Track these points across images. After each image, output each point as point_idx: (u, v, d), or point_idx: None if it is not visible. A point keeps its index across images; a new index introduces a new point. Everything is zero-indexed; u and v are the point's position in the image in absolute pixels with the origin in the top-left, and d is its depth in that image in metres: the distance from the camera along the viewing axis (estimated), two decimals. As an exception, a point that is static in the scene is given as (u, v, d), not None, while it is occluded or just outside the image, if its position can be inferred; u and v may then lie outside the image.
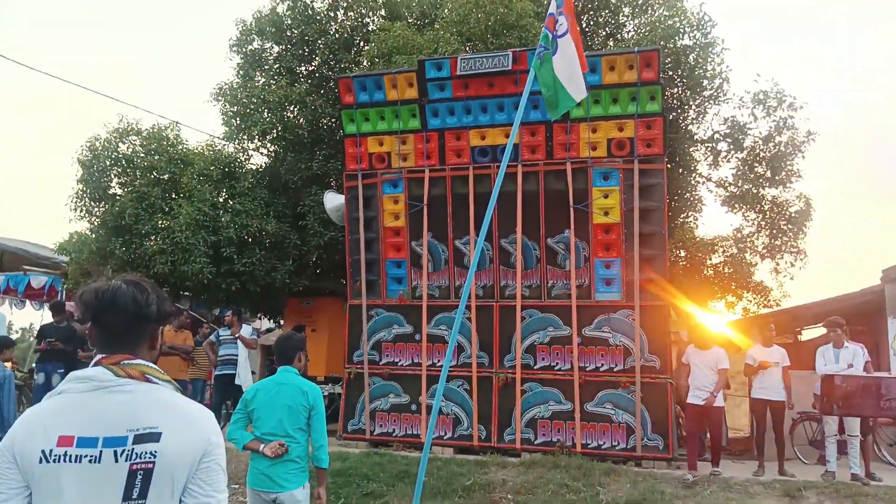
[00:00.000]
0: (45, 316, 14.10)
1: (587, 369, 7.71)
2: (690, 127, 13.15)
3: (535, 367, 7.91)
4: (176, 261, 10.59)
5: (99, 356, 1.72)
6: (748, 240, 14.13)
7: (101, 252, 11.61)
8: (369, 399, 8.43)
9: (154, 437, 1.63)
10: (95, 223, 12.27)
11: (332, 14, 13.55)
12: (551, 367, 7.87)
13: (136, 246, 11.11)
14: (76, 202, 12.17)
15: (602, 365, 7.71)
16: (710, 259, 14.57)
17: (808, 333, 14.31)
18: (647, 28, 12.22)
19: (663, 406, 7.46)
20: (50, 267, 14.35)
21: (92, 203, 12.28)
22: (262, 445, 3.97)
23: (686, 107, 12.95)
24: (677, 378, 8.03)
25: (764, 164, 12.85)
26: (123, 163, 12.06)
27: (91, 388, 1.66)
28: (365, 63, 12.55)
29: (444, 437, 8.02)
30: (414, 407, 8.25)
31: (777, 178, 12.86)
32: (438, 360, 8.09)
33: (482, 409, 7.96)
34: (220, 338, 9.57)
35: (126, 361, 1.70)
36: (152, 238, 11.14)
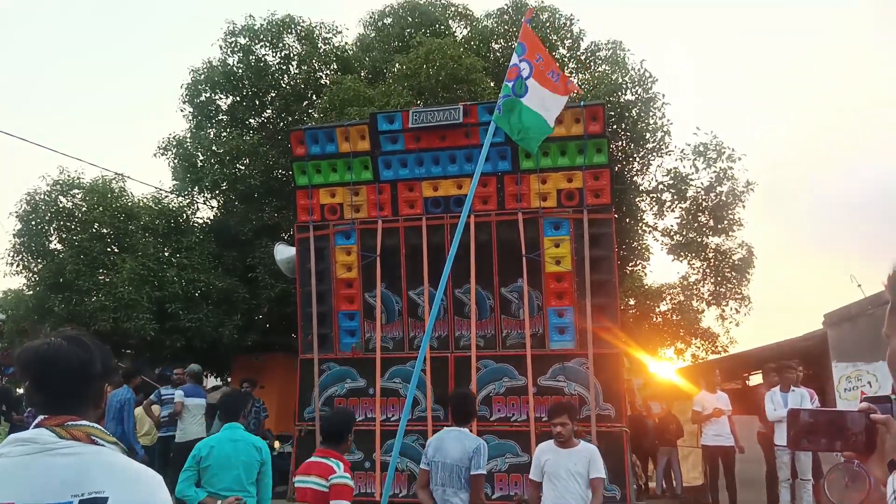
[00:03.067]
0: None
1: (544, 420, 7.63)
2: (635, 178, 13.58)
3: (491, 419, 7.80)
4: (118, 317, 10.21)
5: (40, 417, 1.60)
6: (694, 287, 14.50)
7: (39, 309, 11.12)
8: (321, 457, 8.13)
9: (100, 502, 1.50)
10: (33, 279, 11.79)
11: (284, 67, 13.66)
12: (507, 418, 7.77)
13: (77, 302, 10.68)
14: (13, 257, 11.70)
15: (558, 415, 7.64)
16: (659, 307, 14.86)
17: (756, 378, 14.61)
18: (592, 83, 12.69)
19: (620, 456, 7.42)
20: (-18, 326, 13.64)
21: (30, 258, 11.83)
22: (218, 501, 3.94)
23: (631, 159, 13.39)
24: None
25: (706, 213, 13.31)
26: (64, 217, 11.71)
27: (33, 452, 1.53)
28: (317, 115, 12.62)
29: (400, 495, 7.77)
30: (368, 464, 7.99)
31: (720, 226, 13.32)
32: (393, 415, 7.90)
33: (438, 465, 7.75)
34: (163, 397, 9.13)
35: (70, 423, 1.58)
36: (94, 294, 10.75)
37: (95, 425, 1.63)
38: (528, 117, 5.47)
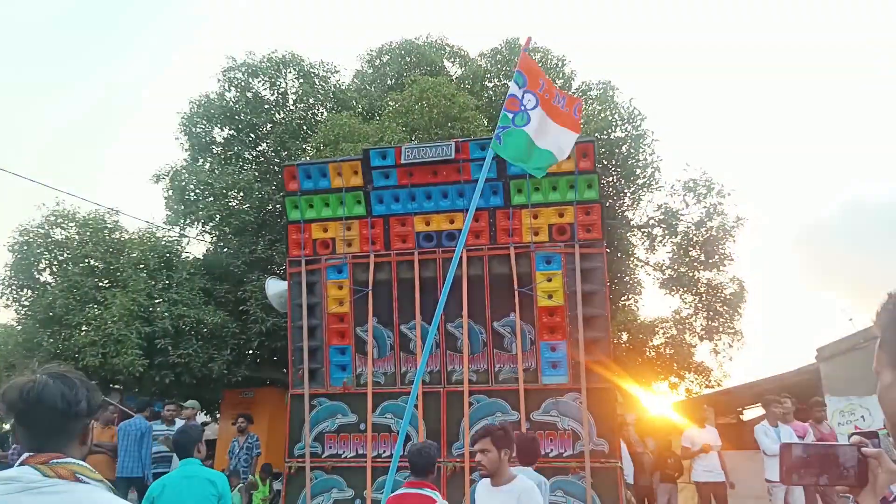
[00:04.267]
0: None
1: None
2: (626, 213, 13.71)
3: (483, 455, 7.71)
4: (107, 353, 10.11)
5: (25, 455, 1.60)
6: (687, 321, 14.51)
7: (28, 344, 11.01)
8: (311, 495, 8.01)
9: None
10: (23, 313, 11.70)
11: (280, 102, 13.83)
12: (500, 454, 7.68)
13: (66, 337, 10.59)
14: (2, 290, 11.63)
15: (552, 450, 7.59)
16: (652, 341, 14.84)
17: (750, 413, 14.54)
18: (582, 121, 12.89)
19: (614, 491, 7.34)
20: (-31, 360, 13.45)
21: (20, 292, 11.75)
22: None
23: (621, 194, 13.54)
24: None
25: (697, 248, 13.41)
26: (56, 250, 11.68)
27: (17, 490, 1.53)
28: (311, 151, 12.74)
29: (391, 534, 7.62)
30: (358, 501, 7.86)
31: (710, 261, 13.40)
32: (384, 451, 7.81)
33: (430, 502, 7.64)
34: (154, 432, 9.00)
35: (55, 461, 1.58)
36: (83, 329, 10.66)
37: (81, 462, 1.62)
38: (531, 148, 5.45)
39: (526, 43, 6.36)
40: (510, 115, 5.43)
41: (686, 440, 8.32)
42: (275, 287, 9.55)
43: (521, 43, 13.93)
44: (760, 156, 66.76)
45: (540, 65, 14.13)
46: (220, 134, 13.78)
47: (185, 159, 13.34)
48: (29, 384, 1.63)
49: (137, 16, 66.42)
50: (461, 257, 7.90)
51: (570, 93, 14.32)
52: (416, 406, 7.77)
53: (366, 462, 7.88)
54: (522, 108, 5.46)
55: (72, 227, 11.93)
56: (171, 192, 12.31)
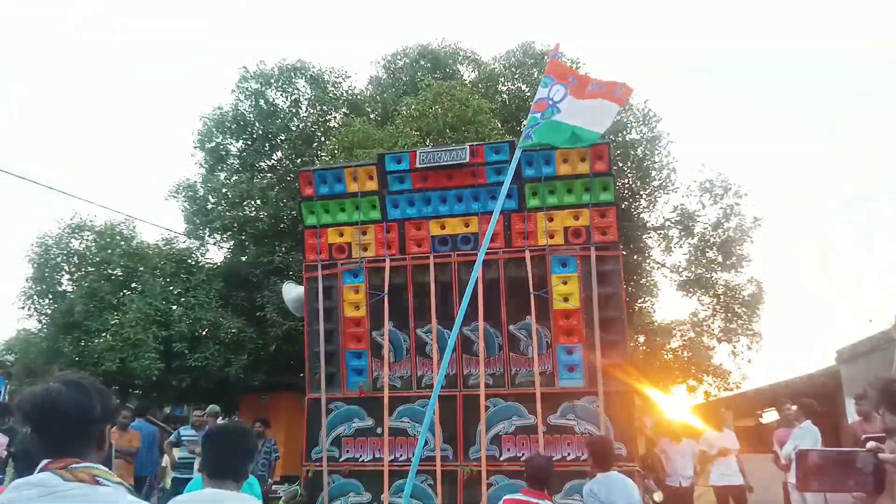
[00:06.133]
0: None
1: (554, 459, 7.51)
2: (642, 215, 13.64)
3: (500, 459, 7.70)
4: (125, 358, 10.22)
5: (45, 461, 1.63)
6: (704, 324, 14.39)
7: (49, 350, 11.17)
8: (328, 499, 8.03)
9: None
10: (44, 321, 11.86)
11: (294, 110, 13.93)
12: (517, 457, 7.66)
13: (85, 343, 10.72)
14: (24, 301, 11.80)
15: (569, 454, 7.55)
16: (669, 343, 14.73)
17: (769, 416, 14.38)
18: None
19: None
20: (-7, 367, 13.67)
21: (41, 301, 11.92)
22: None
23: (637, 196, 13.48)
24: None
25: (714, 249, 13.31)
26: (76, 259, 11.84)
27: (39, 496, 1.56)
28: (326, 157, 12.81)
29: (409, 538, 7.62)
30: (376, 506, 7.88)
31: (728, 262, 13.30)
32: (401, 455, 7.81)
33: (447, 506, 7.64)
34: (182, 438, 9.05)
35: (74, 465, 1.61)
36: (102, 335, 10.79)
37: (100, 466, 1.66)
38: (566, 129, 5.39)
39: (555, 49, 6.46)
40: (538, 115, 5.45)
41: (704, 444, 8.26)
42: (291, 292, 9.61)
43: (535, 47, 13.95)
44: (776, 154, 66.14)
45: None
46: (234, 145, 13.89)
47: (200, 172, 13.46)
48: (43, 393, 1.66)
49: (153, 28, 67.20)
50: (477, 261, 7.93)
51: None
52: (432, 410, 7.78)
53: (382, 466, 7.90)
54: (551, 102, 5.46)
55: (90, 236, 12.09)
56: (187, 203, 12.43)
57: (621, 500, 4.74)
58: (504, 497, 4.67)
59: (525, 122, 5.65)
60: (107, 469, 1.67)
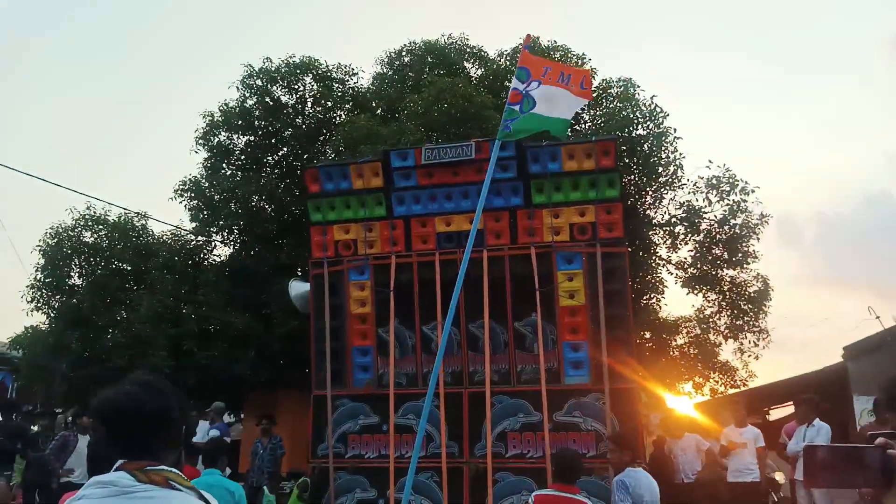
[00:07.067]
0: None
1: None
2: (648, 211, 13.59)
3: (506, 456, 7.71)
4: (134, 354, 10.27)
5: (120, 461, 1.67)
6: (710, 320, 14.33)
7: (57, 345, 11.22)
8: (335, 495, 8.06)
9: None
10: (52, 315, 11.92)
11: (299, 107, 13.92)
12: (523, 455, 7.67)
13: (94, 339, 10.78)
14: (33, 293, 11.85)
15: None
16: (676, 340, 14.68)
17: (776, 413, 14.33)
18: (603, 119, 12.81)
19: (638, 492, 7.27)
20: (1, 362, 13.76)
21: (49, 294, 11.98)
22: None
23: (643, 192, 13.43)
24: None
25: (720, 246, 13.25)
26: (87, 251, 11.89)
27: (112, 494, 1.60)
28: (331, 153, 12.81)
29: (414, 534, 7.65)
30: (381, 502, 7.90)
31: (734, 259, 13.24)
32: (406, 452, 7.82)
33: (453, 503, 7.66)
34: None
35: (149, 467, 1.65)
36: (111, 331, 10.84)
37: (173, 469, 1.69)
38: (542, 121, 5.66)
39: (526, 40, 6.50)
40: (515, 107, 5.65)
41: (724, 439, 8.26)
42: (298, 288, 9.63)
43: (541, 43, 13.90)
44: (783, 149, 65.83)
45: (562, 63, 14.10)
46: (240, 141, 13.89)
47: (205, 168, 13.42)
48: (120, 396, 1.70)
49: (156, 21, 67.36)
50: (481, 258, 7.94)
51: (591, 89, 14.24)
52: (437, 407, 7.80)
53: (388, 463, 7.91)
54: (526, 95, 5.68)
55: (101, 230, 12.14)
56: (194, 200, 12.45)
57: (647, 494, 4.89)
58: (535, 493, 4.80)
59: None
60: (180, 473, 1.70)
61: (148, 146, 62.75)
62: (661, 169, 12.83)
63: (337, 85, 14.21)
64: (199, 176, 13.01)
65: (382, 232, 8.46)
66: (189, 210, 12.67)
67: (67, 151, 64.58)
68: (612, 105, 13.18)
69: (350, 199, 8.57)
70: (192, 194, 12.54)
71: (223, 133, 13.64)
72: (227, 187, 12.13)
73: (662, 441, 10.87)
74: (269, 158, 14.01)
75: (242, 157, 13.73)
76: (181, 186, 12.75)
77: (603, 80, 14.16)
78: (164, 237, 12.70)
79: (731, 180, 13.03)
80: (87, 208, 12.25)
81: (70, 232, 11.97)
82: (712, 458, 8.42)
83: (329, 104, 14.00)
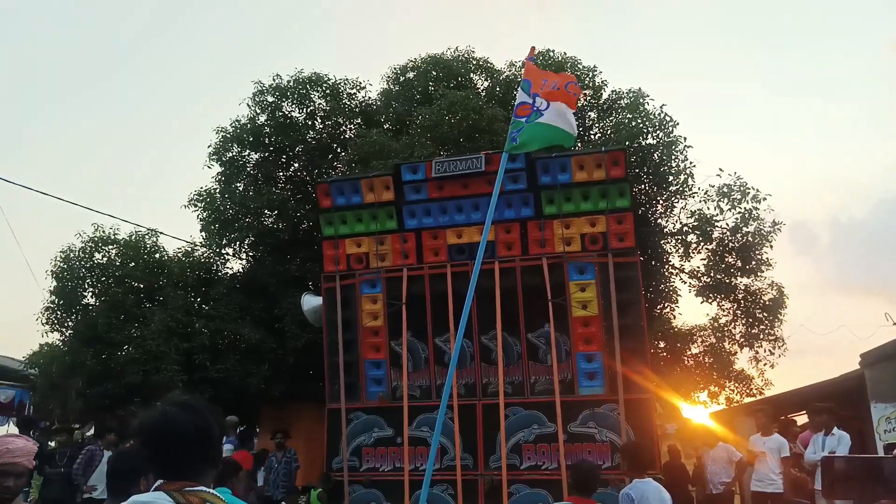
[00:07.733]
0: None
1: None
2: (660, 221, 13.55)
3: (521, 468, 7.67)
4: (148, 370, 10.33)
5: (159, 482, 1.70)
6: (725, 329, 14.22)
7: (73, 363, 11.31)
8: (350, 509, 8.04)
9: None
10: (67, 334, 12.02)
11: (309, 122, 14.03)
12: (538, 466, 7.64)
13: (108, 356, 10.86)
14: (48, 315, 11.97)
15: (590, 462, 7.49)
16: (690, 349, 14.57)
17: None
18: (612, 129, 12.83)
19: (655, 504, 7.21)
20: (18, 380, 13.89)
21: (64, 314, 12.09)
22: None
23: (654, 202, 13.40)
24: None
25: (733, 254, 13.18)
26: (98, 272, 12.00)
27: None
28: (342, 168, 12.89)
29: (430, 547, 7.61)
30: (397, 516, 7.87)
31: (747, 267, 13.16)
32: (421, 464, 7.80)
33: (468, 516, 7.62)
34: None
35: (188, 488, 1.67)
36: (125, 347, 10.92)
37: (211, 491, 1.72)
38: (548, 131, 5.70)
39: (530, 52, 6.54)
40: (522, 120, 5.68)
41: (750, 447, 8.23)
42: (310, 302, 9.67)
43: (552, 55, 13.95)
44: (795, 156, 65.45)
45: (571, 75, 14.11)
46: (252, 157, 14.00)
47: (218, 181, 13.55)
48: (160, 416, 1.73)
49: (168, 43, 68.20)
50: (494, 269, 7.95)
51: (600, 102, 14.28)
52: (451, 419, 7.79)
53: (403, 475, 7.90)
54: (535, 109, 5.73)
55: (112, 249, 12.26)
56: (206, 213, 12.57)
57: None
58: None
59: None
60: (218, 494, 1.72)
61: (161, 162, 63.35)
62: (671, 178, 12.80)
63: (346, 99, 14.32)
64: (211, 189, 13.13)
65: (394, 245, 8.50)
66: (201, 221, 12.78)
67: (80, 167, 65.31)
68: (621, 116, 13.20)
69: (361, 213, 8.62)
70: (205, 206, 12.65)
71: (235, 148, 13.77)
72: (240, 201, 12.23)
73: (676, 450, 10.78)
74: (281, 174, 14.13)
75: (254, 172, 13.85)
76: (196, 197, 12.88)
77: (613, 91, 14.19)
78: (177, 252, 12.80)
79: (742, 188, 12.98)
80: (95, 230, 12.37)
81: (80, 253, 12.09)
82: (742, 469, 8.41)
83: (339, 119, 14.11)
